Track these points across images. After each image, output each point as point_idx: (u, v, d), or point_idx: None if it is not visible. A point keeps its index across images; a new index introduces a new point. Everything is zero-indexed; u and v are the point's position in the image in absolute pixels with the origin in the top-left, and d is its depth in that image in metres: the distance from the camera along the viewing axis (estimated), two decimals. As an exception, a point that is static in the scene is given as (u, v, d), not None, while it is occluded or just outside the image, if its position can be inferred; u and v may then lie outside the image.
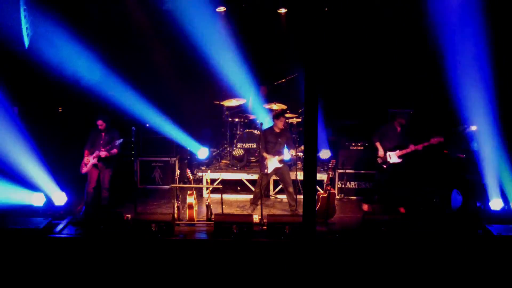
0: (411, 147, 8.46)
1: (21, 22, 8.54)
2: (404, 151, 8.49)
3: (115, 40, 10.01)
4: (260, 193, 8.48)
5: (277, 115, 8.65)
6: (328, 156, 9.24)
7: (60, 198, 8.18)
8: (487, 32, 8.70)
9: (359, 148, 9.52)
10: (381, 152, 8.61)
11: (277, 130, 8.59)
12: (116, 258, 7.03)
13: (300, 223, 7.09)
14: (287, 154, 8.62)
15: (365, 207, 8.79)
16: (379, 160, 8.65)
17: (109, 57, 9.80)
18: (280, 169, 8.58)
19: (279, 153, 8.51)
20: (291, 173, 8.95)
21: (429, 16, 9.16)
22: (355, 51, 10.35)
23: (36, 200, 8.06)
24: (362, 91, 10.45)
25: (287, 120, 9.90)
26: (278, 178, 8.93)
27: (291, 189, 8.56)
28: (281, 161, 8.51)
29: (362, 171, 9.45)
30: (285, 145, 8.58)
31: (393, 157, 8.55)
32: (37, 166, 8.32)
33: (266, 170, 8.46)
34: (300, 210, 8.19)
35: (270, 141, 8.58)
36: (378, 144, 8.65)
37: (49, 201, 8.14)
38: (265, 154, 8.48)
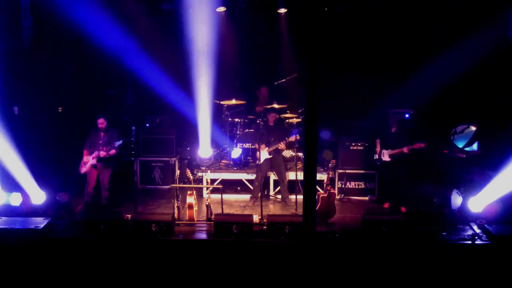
0: (400, 149, 8.55)
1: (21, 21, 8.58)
2: (393, 152, 8.62)
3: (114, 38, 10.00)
4: (259, 187, 8.57)
5: (268, 110, 9.49)
6: (332, 155, 9.32)
7: (39, 197, 8.09)
8: None
9: (359, 148, 9.53)
10: (378, 149, 8.83)
11: (271, 124, 9.13)
12: (116, 258, 7.02)
13: (300, 223, 7.08)
14: (287, 152, 9.18)
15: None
16: (376, 156, 8.86)
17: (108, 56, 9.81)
18: (273, 161, 8.92)
19: (269, 144, 8.90)
20: (291, 173, 8.99)
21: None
22: (356, 52, 10.34)
23: (13, 200, 8.02)
24: (362, 91, 10.45)
25: (287, 120, 9.93)
26: (275, 172, 9.12)
27: (286, 181, 8.95)
28: (271, 152, 8.89)
29: (362, 171, 9.46)
30: (279, 138, 8.89)
31: (385, 155, 8.73)
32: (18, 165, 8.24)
33: (257, 161, 8.81)
34: (300, 210, 8.19)
35: (263, 133, 9.09)
36: (377, 142, 8.88)
37: (26, 201, 8.08)
38: (256, 145, 9.01)
